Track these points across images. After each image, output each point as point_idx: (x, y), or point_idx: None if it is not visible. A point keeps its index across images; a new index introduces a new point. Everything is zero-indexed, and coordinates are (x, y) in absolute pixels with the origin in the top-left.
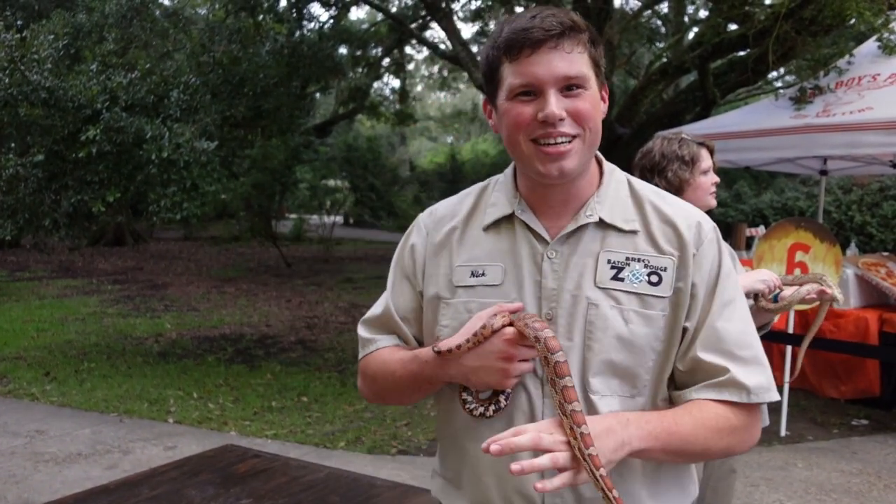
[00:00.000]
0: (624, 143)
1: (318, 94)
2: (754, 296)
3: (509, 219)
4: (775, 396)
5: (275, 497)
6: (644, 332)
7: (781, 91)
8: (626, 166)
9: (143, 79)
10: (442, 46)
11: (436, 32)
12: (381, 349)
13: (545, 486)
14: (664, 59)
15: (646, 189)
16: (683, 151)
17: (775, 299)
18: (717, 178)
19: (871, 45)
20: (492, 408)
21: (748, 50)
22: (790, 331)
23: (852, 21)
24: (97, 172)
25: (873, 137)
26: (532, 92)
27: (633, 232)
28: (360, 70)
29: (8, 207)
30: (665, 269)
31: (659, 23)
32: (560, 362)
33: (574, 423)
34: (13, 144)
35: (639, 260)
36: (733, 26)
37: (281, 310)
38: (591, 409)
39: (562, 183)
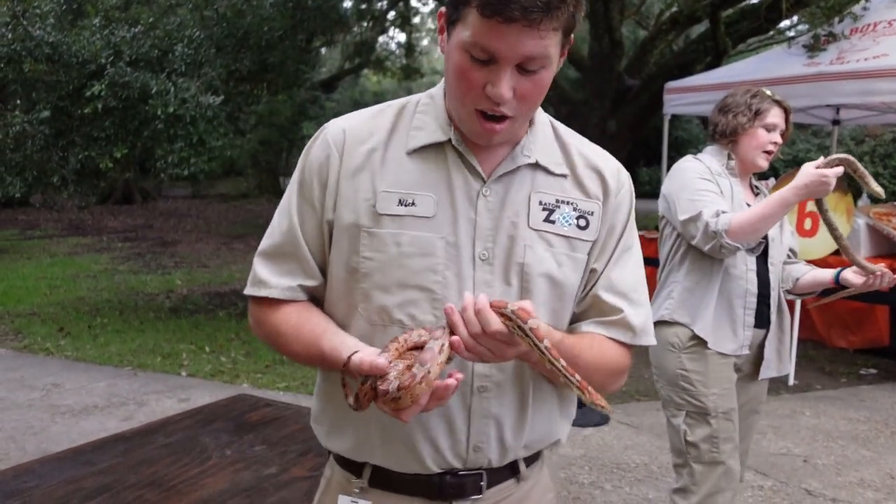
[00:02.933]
0: (633, 95)
1: (323, 49)
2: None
3: (440, 147)
4: (653, 340)
5: (287, 443)
6: (573, 276)
7: (794, 39)
8: (636, 119)
9: (146, 33)
10: None
11: None
12: (279, 303)
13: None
14: (674, 9)
15: (569, 133)
16: (753, 101)
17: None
18: (779, 140)
19: None
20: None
21: None
22: None
23: None
24: (104, 128)
25: (888, 85)
26: (488, 60)
27: (563, 175)
28: (365, 24)
29: (16, 165)
30: (592, 214)
31: None
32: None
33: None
34: (18, 101)
35: (568, 203)
36: None
37: None
38: None
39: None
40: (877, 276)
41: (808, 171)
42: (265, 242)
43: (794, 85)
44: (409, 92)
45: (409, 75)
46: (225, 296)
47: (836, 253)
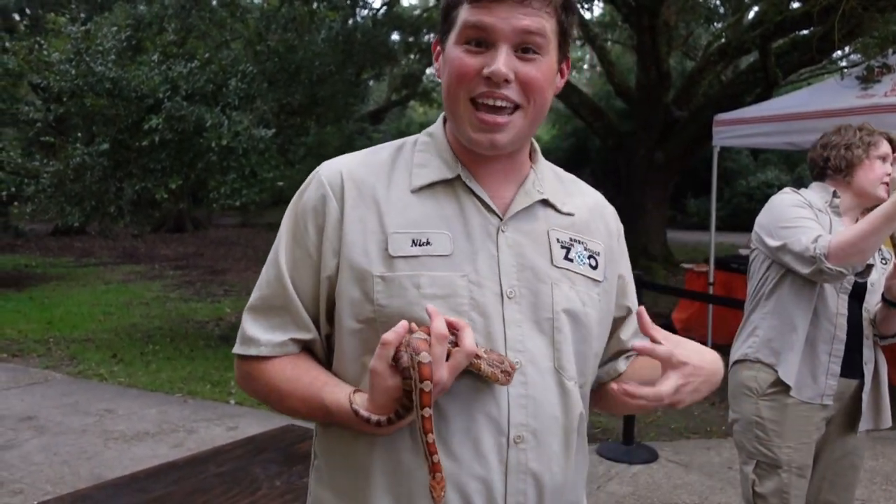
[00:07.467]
0: (681, 127)
1: (371, 82)
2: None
3: (448, 184)
4: None
5: None
6: (593, 315)
7: (847, 70)
8: (683, 150)
9: (202, 68)
10: None
11: None
12: (270, 358)
13: None
14: (723, 40)
15: (566, 174)
16: (863, 134)
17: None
18: (892, 171)
19: None
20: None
21: (812, 28)
22: None
23: None
24: (160, 160)
25: None
26: (483, 43)
27: (570, 214)
28: (412, 56)
29: (76, 195)
30: (599, 255)
31: (717, 2)
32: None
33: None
34: (79, 134)
35: (580, 242)
36: (796, 4)
37: None
38: (567, 398)
39: (494, 154)
40: None
41: None
42: (253, 296)
43: (849, 117)
44: None
45: None
46: None
47: None
